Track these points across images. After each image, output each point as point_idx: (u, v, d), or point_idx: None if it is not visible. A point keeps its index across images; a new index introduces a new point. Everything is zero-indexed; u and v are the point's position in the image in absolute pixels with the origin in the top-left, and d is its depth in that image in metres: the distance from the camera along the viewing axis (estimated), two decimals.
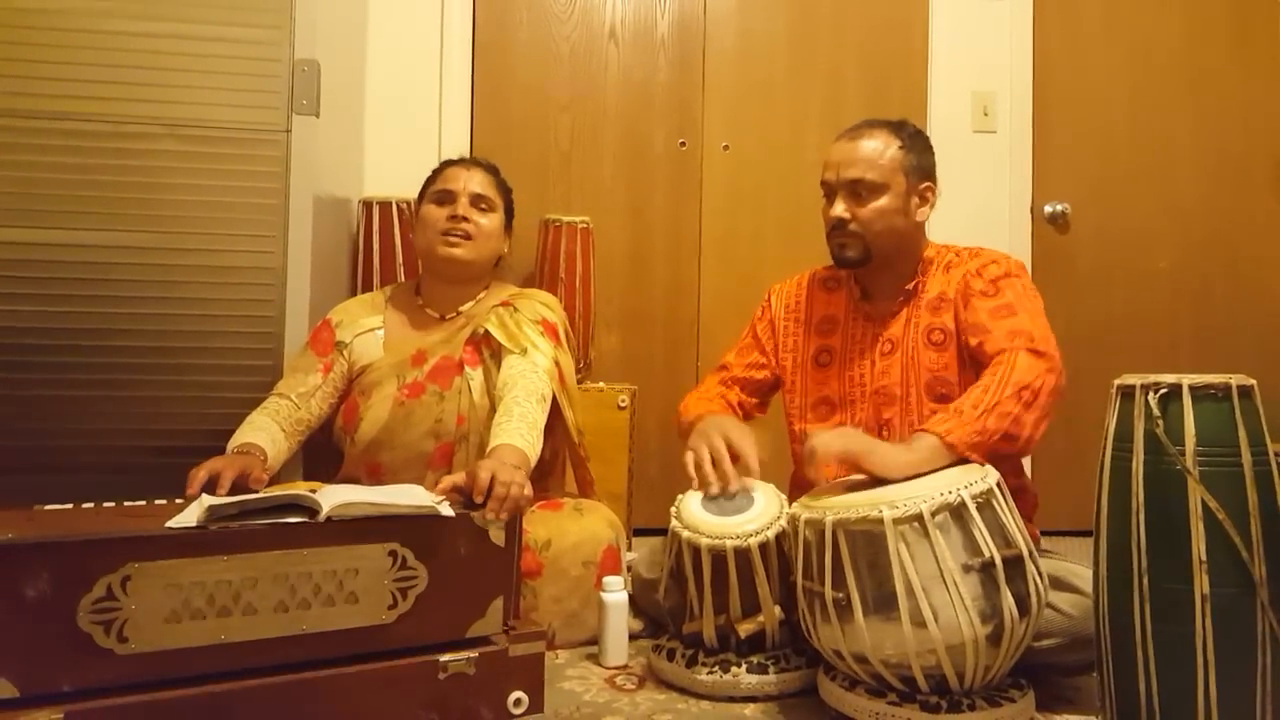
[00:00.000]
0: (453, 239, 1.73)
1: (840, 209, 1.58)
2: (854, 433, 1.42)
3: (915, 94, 2.73)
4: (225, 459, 1.46)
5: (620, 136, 2.67)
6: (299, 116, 1.88)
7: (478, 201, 1.77)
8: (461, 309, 1.79)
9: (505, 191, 1.85)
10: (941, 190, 1.66)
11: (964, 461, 1.32)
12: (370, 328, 1.77)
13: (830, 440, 1.37)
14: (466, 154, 2.49)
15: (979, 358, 1.49)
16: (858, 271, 1.66)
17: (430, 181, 1.82)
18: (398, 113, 2.53)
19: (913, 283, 1.61)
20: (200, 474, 1.37)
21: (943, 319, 1.57)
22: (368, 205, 2.28)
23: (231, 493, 1.31)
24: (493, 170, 1.84)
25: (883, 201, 1.57)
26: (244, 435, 1.57)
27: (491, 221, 1.78)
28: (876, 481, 1.31)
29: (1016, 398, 1.36)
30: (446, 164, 1.84)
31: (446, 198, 1.76)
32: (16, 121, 1.77)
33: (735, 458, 1.49)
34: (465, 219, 1.74)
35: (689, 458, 1.52)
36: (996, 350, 1.44)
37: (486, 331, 1.72)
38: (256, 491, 1.33)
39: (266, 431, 1.60)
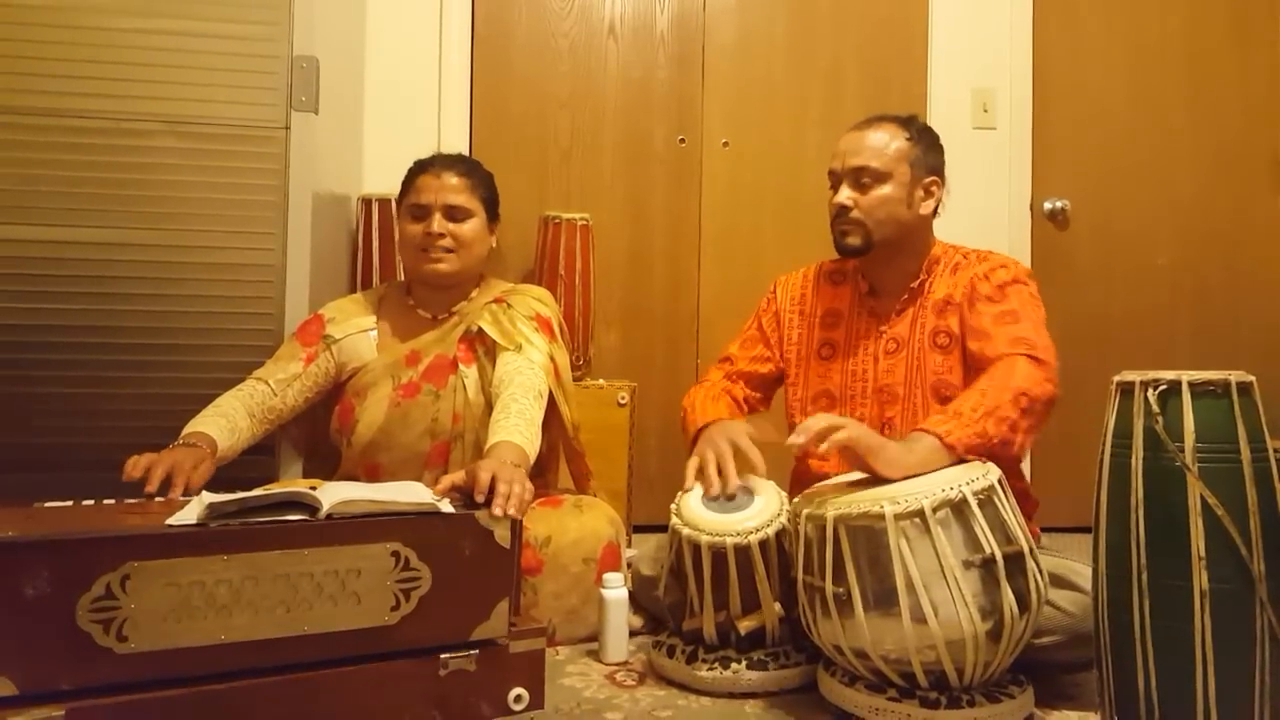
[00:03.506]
0: (435, 255, 1.70)
1: (844, 195, 1.59)
2: (864, 426, 1.36)
3: (915, 90, 2.72)
4: (160, 456, 1.41)
5: (620, 133, 2.66)
6: (298, 113, 1.87)
7: (452, 214, 1.71)
8: (454, 309, 1.78)
9: (484, 187, 1.77)
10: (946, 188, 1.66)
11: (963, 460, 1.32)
12: (363, 328, 1.75)
13: (841, 425, 1.30)
14: (466, 150, 2.50)
15: (978, 362, 1.49)
16: (864, 265, 1.66)
17: (405, 190, 1.76)
18: (397, 109, 2.53)
19: (918, 281, 1.62)
20: (157, 471, 1.37)
21: (948, 322, 1.57)
22: (367, 202, 2.28)
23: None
24: (465, 170, 1.76)
25: (885, 190, 1.57)
26: (200, 424, 1.54)
27: (471, 228, 1.73)
28: (876, 480, 1.31)
29: (1015, 403, 1.36)
30: (418, 170, 1.76)
31: (420, 213, 1.72)
32: (15, 118, 1.77)
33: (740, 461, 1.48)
34: (441, 235, 1.70)
35: (693, 463, 1.52)
36: (997, 355, 1.44)
37: (480, 329, 1.72)
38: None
39: (229, 419, 1.57)
